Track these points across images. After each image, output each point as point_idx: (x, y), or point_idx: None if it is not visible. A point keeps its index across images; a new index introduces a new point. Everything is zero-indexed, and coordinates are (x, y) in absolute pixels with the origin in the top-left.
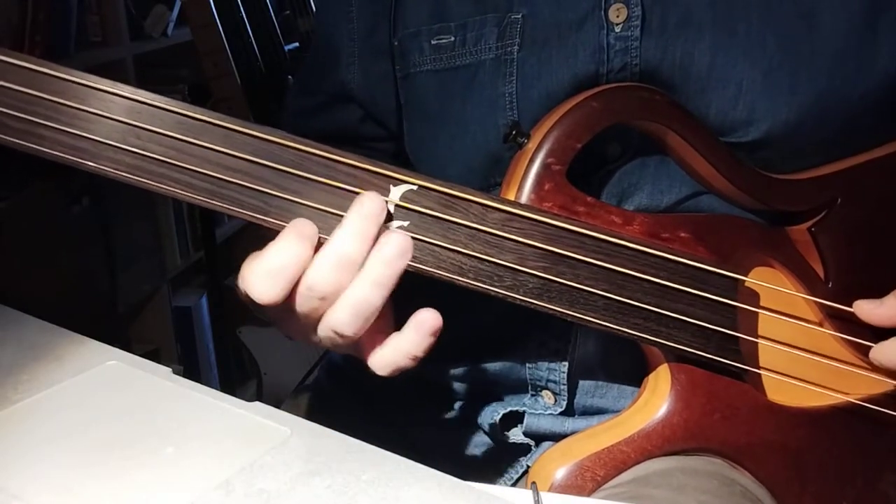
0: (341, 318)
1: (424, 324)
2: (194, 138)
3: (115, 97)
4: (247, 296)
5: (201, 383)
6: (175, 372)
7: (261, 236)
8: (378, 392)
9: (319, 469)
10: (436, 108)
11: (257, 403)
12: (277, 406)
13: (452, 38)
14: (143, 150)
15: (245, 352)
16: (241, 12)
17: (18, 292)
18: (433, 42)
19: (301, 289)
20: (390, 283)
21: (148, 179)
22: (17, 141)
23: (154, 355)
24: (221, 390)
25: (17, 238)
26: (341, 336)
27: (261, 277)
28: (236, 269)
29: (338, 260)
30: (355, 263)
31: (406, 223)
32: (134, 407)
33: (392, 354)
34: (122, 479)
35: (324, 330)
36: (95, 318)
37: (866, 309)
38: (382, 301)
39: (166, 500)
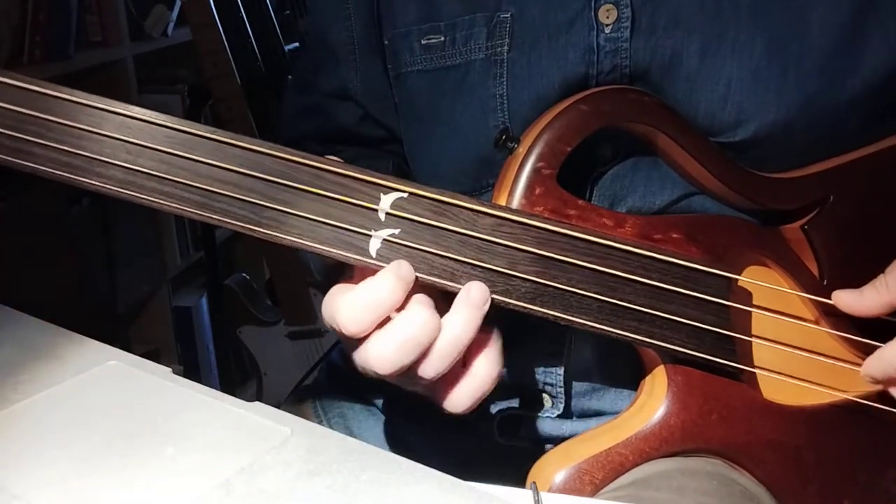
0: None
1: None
2: (184, 152)
3: (104, 113)
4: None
5: (201, 383)
6: (175, 372)
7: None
8: (377, 393)
9: (319, 469)
10: (427, 109)
11: (257, 403)
12: (277, 406)
13: (442, 38)
14: (134, 164)
15: (245, 352)
16: (241, 12)
17: (18, 292)
18: (423, 42)
19: (415, 371)
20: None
21: (139, 194)
22: (8, 158)
23: (154, 355)
24: (221, 390)
25: (17, 238)
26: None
27: (351, 308)
28: (236, 270)
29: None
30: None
31: (397, 231)
32: (134, 407)
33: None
34: (122, 478)
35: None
36: (95, 318)
37: (845, 300)
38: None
39: (166, 499)
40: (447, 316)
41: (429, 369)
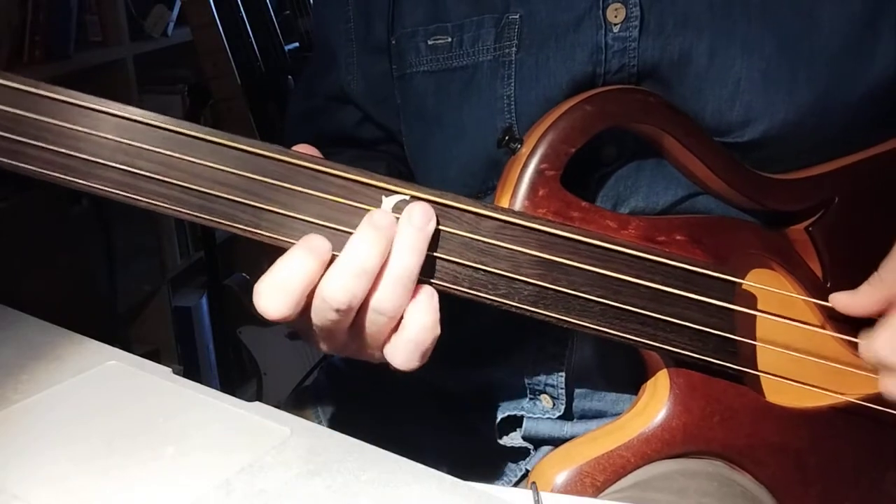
0: (385, 296)
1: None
2: (182, 154)
3: (102, 114)
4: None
5: (201, 383)
6: (175, 372)
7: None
8: (378, 393)
9: (319, 469)
10: (433, 110)
11: (257, 403)
12: (277, 406)
13: (449, 39)
14: (132, 166)
15: (245, 352)
16: (241, 12)
17: (18, 292)
18: (430, 42)
19: (315, 301)
20: (424, 247)
21: (138, 196)
22: (4, 160)
23: (154, 355)
24: (221, 390)
25: (17, 238)
26: (384, 315)
27: (268, 291)
28: (236, 270)
29: (352, 269)
30: (371, 272)
31: None
32: (134, 407)
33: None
34: (122, 478)
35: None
36: (95, 318)
37: (841, 300)
38: (419, 268)
39: (166, 499)
40: (395, 241)
41: (332, 291)
